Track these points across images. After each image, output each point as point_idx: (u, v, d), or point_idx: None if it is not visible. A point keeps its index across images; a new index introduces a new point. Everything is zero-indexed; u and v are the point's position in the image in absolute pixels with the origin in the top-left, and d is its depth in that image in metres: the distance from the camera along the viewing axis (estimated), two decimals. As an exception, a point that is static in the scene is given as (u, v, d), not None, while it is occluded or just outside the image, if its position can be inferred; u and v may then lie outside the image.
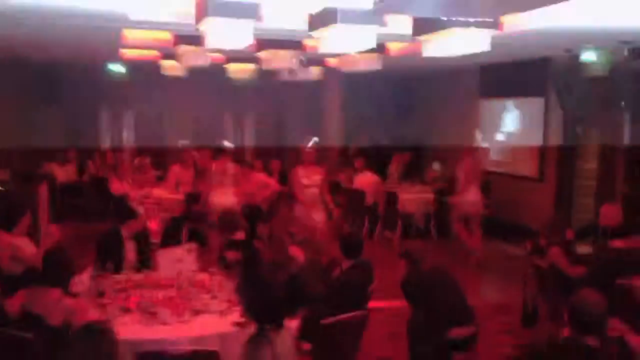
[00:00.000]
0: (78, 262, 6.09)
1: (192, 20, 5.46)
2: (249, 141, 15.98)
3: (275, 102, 15.86)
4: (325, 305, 4.87)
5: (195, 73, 12.05)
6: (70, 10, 7.04)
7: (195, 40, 7.74)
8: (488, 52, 6.36)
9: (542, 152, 11.58)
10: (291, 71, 11.87)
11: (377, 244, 10.91)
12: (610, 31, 6.26)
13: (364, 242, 5.55)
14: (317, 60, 11.14)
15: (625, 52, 8.92)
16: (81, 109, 14.78)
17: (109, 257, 5.55)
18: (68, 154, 13.50)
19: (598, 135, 10.37)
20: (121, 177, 11.53)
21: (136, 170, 12.42)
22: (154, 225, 6.50)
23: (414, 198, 11.29)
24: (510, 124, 12.58)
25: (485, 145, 13.24)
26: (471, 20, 6.01)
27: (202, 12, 6.17)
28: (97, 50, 11.58)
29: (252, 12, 6.05)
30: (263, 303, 2.82)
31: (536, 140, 11.72)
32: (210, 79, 13.66)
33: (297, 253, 5.68)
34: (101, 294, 4.94)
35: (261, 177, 11.00)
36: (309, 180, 8.21)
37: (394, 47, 9.53)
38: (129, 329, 4.35)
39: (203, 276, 5.44)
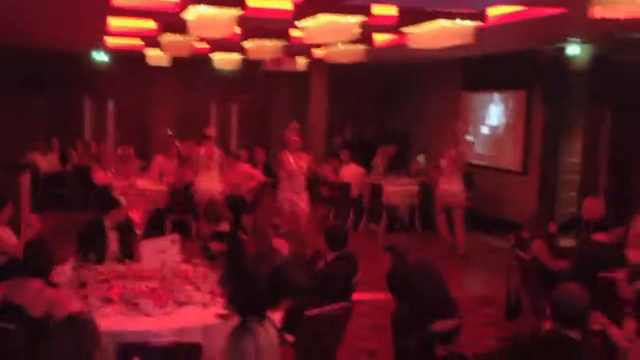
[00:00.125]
0: (60, 253, 6.03)
1: (177, 8, 5.43)
2: (234, 132, 15.91)
3: (261, 93, 15.80)
4: (309, 297, 4.87)
5: (180, 62, 12.01)
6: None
7: (179, 29, 7.70)
8: (472, 44, 6.41)
9: (526, 146, 11.62)
10: (276, 61, 11.86)
11: (361, 236, 10.92)
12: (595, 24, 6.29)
13: (348, 234, 5.53)
14: (303, 51, 11.14)
15: (609, 46, 8.98)
16: (64, 98, 14.65)
17: (91, 247, 5.50)
18: (51, 144, 13.37)
19: (581, 129, 10.42)
20: (104, 167, 11.43)
21: (119, 160, 12.34)
22: (137, 215, 6.44)
23: (398, 190, 11.29)
24: (494, 117, 12.61)
25: (469, 138, 13.27)
26: (456, 11, 6.04)
27: (186, 0, 6.14)
28: (81, 39, 11.48)
29: (236, 1, 6.04)
30: (246, 295, 2.80)
31: (520, 133, 11.77)
32: (195, 68, 13.60)
33: (281, 245, 5.67)
34: (83, 285, 4.88)
35: (246, 167, 10.96)
36: (296, 166, 8.22)
37: (379, 38, 9.54)
38: (111, 320, 4.31)
39: (186, 267, 5.40)
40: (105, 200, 6.35)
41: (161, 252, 5.45)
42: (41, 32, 10.60)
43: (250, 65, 12.14)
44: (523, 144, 11.68)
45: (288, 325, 4.58)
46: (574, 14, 6.97)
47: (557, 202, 10.92)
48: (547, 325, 3.71)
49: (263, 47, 8.73)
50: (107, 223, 5.91)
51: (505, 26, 7.80)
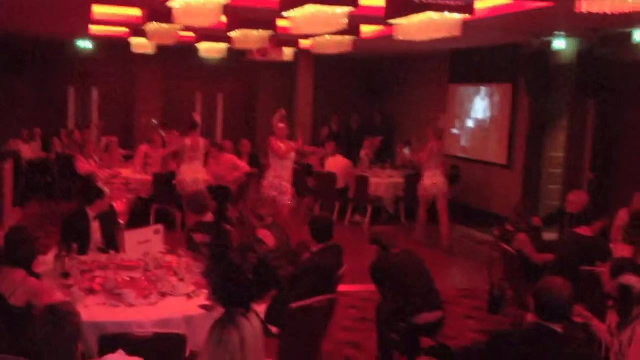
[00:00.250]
0: (43, 242, 6.00)
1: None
2: (220, 122, 15.85)
3: (247, 83, 15.75)
4: (294, 289, 4.86)
5: (166, 51, 11.93)
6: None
7: (165, 17, 7.64)
8: (459, 37, 6.41)
9: (511, 139, 11.67)
10: (262, 51, 11.80)
11: (347, 228, 10.92)
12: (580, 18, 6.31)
13: (334, 226, 5.52)
14: (290, 41, 11.09)
15: (594, 40, 9.02)
16: (48, 86, 14.52)
17: (74, 237, 5.45)
18: (33, 132, 13.25)
19: (566, 122, 10.47)
20: (88, 156, 11.35)
21: (103, 150, 12.27)
22: (121, 205, 6.39)
23: (384, 182, 11.29)
24: (480, 110, 12.64)
25: (454, 130, 13.31)
26: (444, 3, 6.02)
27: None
28: (65, 26, 11.36)
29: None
30: (231, 286, 2.78)
31: (505, 126, 11.81)
32: (180, 57, 13.53)
33: (266, 236, 5.65)
34: (66, 275, 4.84)
35: (231, 158, 10.92)
36: (286, 152, 8.20)
37: (366, 29, 9.51)
38: (94, 311, 4.28)
39: (170, 258, 5.37)
40: (89, 190, 6.29)
41: (145, 243, 5.41)
42: (25, 19, 10.48)
43: (236, 55, 12.08)
44: (508, 137, 11.73)
45: (272, 317, 4.57)
46: (560, 8, 6.99)
47: (541, 195, 10.98)
48: (530, 318, 3.73)
49: (249, 37, 8.68)
50: (91, 213, 5.86)
51: (493, 19, 7.81)
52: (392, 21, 6.77)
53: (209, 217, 5.98)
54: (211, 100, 15.74)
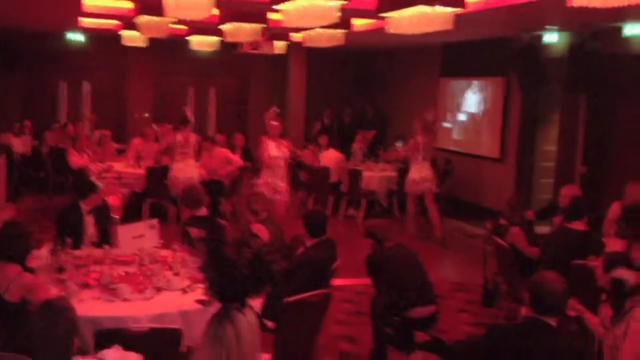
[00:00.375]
0: (36, 237, 5.98)
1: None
2: (212, 115, 15.81)
3: (239, 76, 15.71)
4: (289, 283, 4.87)
5: (157, 44, 11.88)
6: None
7: (156, 10, 7.61)
8: (451, 30, 6.41)
9: (503, 133, 11.69)
10: (254, 44, 11.78)
11: (340, 222, 10.94)
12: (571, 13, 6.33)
13: (328, 221, 5.53)
14: (281, 34, 11.07)
15: (585, 34, 9.04)
16: (39, 78, 14.43)
17: (68, 232, 5.44)
18: (25, 125, 13.18)
19: (558, 116, 10.50)
20: (80, 150, 11.31)
21: (96, 143, 12.21)
22: (115, 200, 6.38)
23: (377, 176, 11.31)
24: (471, 103, 12.66)
25: (447, 124, 13.33)
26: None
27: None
28: (55, 18, 11.29)
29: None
30: (227, 281, 2.79)
31: (497, 120, 11.83)
32: (172, 50, 13.48)
33: (260, 231, 5.65)
34: (60, 270, 4.84)
35: (224, 152, 10.90)
36: (277, 152, 8.15)
37: (358, 23, 9.51)
38: (89, 306, 4.28)
39: (165, 253, 5.37)
40: (83, 184, 6.28)
41: (139, 237, 5.41)
42: (15, 12, 10.40)
43: (228, 48, 12.05)
44: (500, 130, 11.75)
45: (267, 311, 4.58)
46: (551, 2, 7.00)
47: (533, 189, 11.03)
48: (524, 311, 3.76)
49: (241, 30, 8.66)
50: (84, 207, 5.85)
51: (484, 13, 7.82)
52: (384, 14, 6.78)
53: (203, 211, 5.97)
54: (203, 93, 15.70)
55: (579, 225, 5.81)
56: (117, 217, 6.25)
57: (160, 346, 3.92)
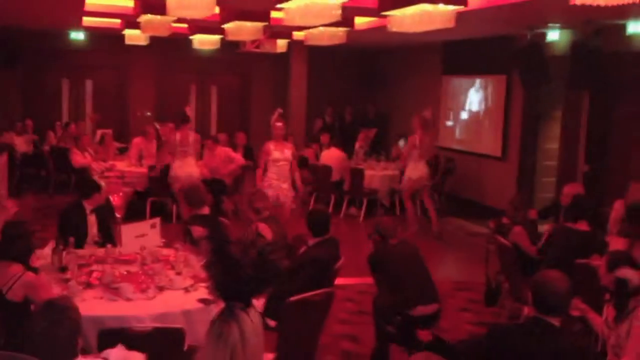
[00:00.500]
0: (39, 236, 5.99)
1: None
2: (214, 114, 15.81)
3: (240, 75, 15.70)
4: (291, 282, 4.87)
5: (159, 43, 11.88)
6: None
7: (158, 9, 7.61)
8: (453, 28, 6.40)
9: (505, 131, 11.68)
10: (256, 43, 11.78)
11: (342, 221, 10.93)
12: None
13: (330, 220, 5.53)
14: (283, 33, 11.06)
15: (588, 31, 9.02)
16: (41, 77, 14.42)
17: (71, 231, 5.44)
18: (26, 124, 13.19)
19: (560, 114, 10.48)
20: (83, 149, 11.31)
21: (98, 142, 12.22)
22: (118, 199, 6.38)
23: (379, 174, 11.31)
24: (473, 101, 12.64)
25: (449, 122, 13.31)
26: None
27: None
28: (58, 17, 11.29)
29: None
30: (231, 281, 2.78)
31: (499, 118, 11.82)
32: (174, 49, 13.47)
33: (263, 229, 5.65)
34: (63, 269, 4.84)
35: (226, 150, 10.91)
36: (280, 154, 8.08)
37: (360, 21, 9.50)
38: (92, 305, 4.28)
39: (167, 252, 5.37)
40: (87, 183, 6.28)
41: (141, 237, 5.41)
42: (17, 11, 10.40)
43: (229, 47, 12.05)
44: (502, 129, 11.73)
45: (270, 310, 4.58)
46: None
47: (535, 188, 11.02)
48: (527, 311, 3.74)
49: (243, 29, 8.66)
50: (87, 206, 5.85)
51: (486, 11, 7.80)
52: (386, 13, 6.77)
53: (205, 210, 5.97)
54: (205, 92, 15.70)
55: (581, 225, 5.78)
56: (119, 216, 6.23)
57: (164, 345, 3.91)
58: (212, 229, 5.44)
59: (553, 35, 10.04)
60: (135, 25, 9.25)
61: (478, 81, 12.46)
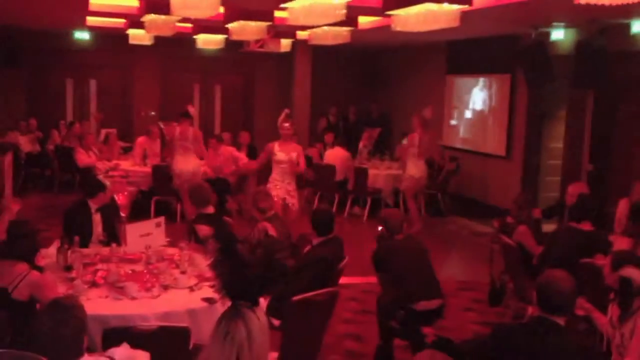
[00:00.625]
0: (44, 235, 6.00)
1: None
2: (218, 113, 15.82)
3: (244, 74, 15.71)
4: (296, 281, 4.87)
5: (163, 43, 11.89)
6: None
7: (162, 9, 7.62)
8: (457, 27, 6.40)
9: (510, 130, 11.67)
10: (260, 42, 11.78)
11: (346, 220, 10.93)
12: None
13: (335, 219, 5.53)
14: (287, 32, 11.07)
15: (592, 30, 9.01)
16: (45, 77, 14.45)
17: (76, 230, 5.45)
18: (31, 123, 13.22)
19: (565, 114, 10.47)
20: (87, 148, 11.33)
21: (102, 142, 12.24)
22: (122, 199, 6.39)
23: (383, 174, 11.30)
24: (478, 101, 12.63)
25: (453, 122, 13.30)
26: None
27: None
28: (62, 17, 11.32)
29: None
30: (238, 280, 2.79)
31: (504, 117, 11.80)
32: (178, 49, 13.49)
33: (268, 229, 5.65)
34: (68, 268, 4.86)
35: (230, 150, 10.92)
36: (285, 156, 8.04)
37: (364, 20, 9.50)
38: (97, 304, 4.28)
39: (172, 251, 5.39)
40: (92, 182, 6.29)
41: (146, 236, 5.42)
42: (22, 10, 10.43)
43: (233, 46, 12.06)
44: (507, 128, 11.72)
45: (274, 309, 4.59)
46: (559, -1, 6.99)
47: (540, 187, 11.01)
48: (532, 310, 3.74)
49: (247, 28, 8.66)
50: (92, 205, 5.87)
51: (491, 10, 7.80)
52: (390, 12, 6.77)
53: (210, 209, 5.98)
54: (209, 91, 15.71)
55: (585, 225, 5.76)
56: (124, 215, 6.25)
57: (168, 344, 3.92)
58: (217, 228, 5.46)
59: (557, 34, 10.03)
60: (139, 25, 9.26)
61: (482, 80, 12.45)
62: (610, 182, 9.38)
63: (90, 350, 3.83)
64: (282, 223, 5.93)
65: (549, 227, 7.29)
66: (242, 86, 15.89)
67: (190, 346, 4.01)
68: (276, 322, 4.71)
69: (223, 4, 6.51)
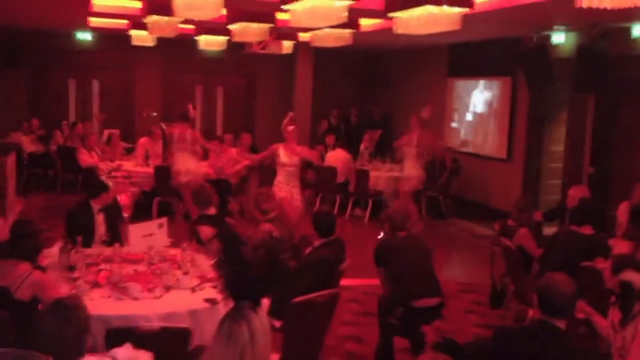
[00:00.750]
0: (47, 235, 6.02)
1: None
2: (219, 114, 15.84)
3: (246, 76, 15.72)
4: (297, 283, 4.89)
5: (166, 44, 11.91)
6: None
7: (165, 10, 7.64)
8: (458, 30, 6.41)
9: (511, 133, 11.68)
10: (262, 44, 11.80)
11: (347, 222, 10.95)
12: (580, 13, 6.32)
13: (336, 221, 5.55)
14: (289, 34, 11.09)
15: (593, 34, 9.03)
16: (48, 78, 14.47)
17: (79, 230, 5.46)
18: (33, 123, 13.24)
19: (565, 117, 10.49)
20: (90, 149, 11.35)
21: (105, 142, 12.26)
22: (125, 199, 6.40)
23: (384, 176, 11.32)
24: (479, 103, 12.64)
25: (454, 124, 13.32)
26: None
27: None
28: (65, 18, 11.34)
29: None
30: (242, 281, 2.81)
31: (505, 120, 11.82)
32: (180, 50, 13.51)
33: (272, 231, 5.66)
34: (71, 268, 4.87)
35: (232, 151, 10.93)
36: (288, 160, 8.05)
37: (366, 23, 9.52)
38: (99, 304, 4.30)
39: (174, 252, 5.40)
40: (95, 183, 6.31)
41: (149, 236, 5.43)
42: (25, 11, 10.45)
43: (235, 48, 12.07)
44: (507, 131, 11.74)
45: (275, 311, 4.60)
46: (559, 2, 7.00)
47: (541, 190, 11.02)
48: (533, 313, 3.75)
49: (249, 30, 8.68)
50: (95, 206, 5.89)
51: (492, 13, 7.82)
52: (391, 15, 6.78)
53: (212, 210, 5.99)
54: (211, 93, 15.72)
55: (585, 229, 5.76)
56: (126, 215, 6.26)
57: (171, 345, 3.94)
58: (219, 229, 5.48)
59: (559, 37, 10.04)
60: (142, 26, 9.28)
61: (483, 83, 12.46)
62: (611, 185, 9.39)
63: (93, 351, 3.85)
64: (283, 224, 5.95)
65: (549, 230, 7.29)
66: (244, 88, 15.90)
67: (192, 347, 4.02)
68: (277, 324, 4.72)
69: (225, 5, 6.52)
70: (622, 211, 6.63)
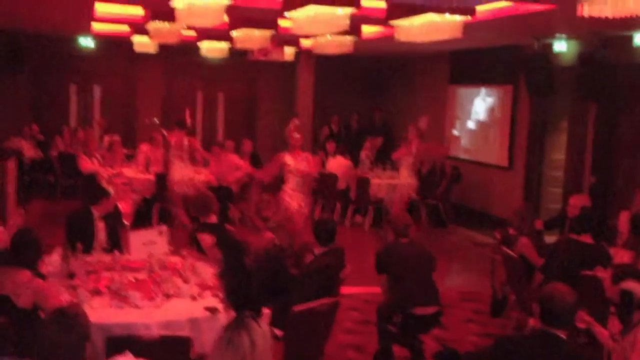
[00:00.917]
0: (47, 242, 6.00)
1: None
2: (221, 121, 15.85)
3: (248, 83, 15.74)
4: (297, 291, 4.88)
5: (167, 50, 11.94)
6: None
7: (167, 16, 7.65)
8: (460, 38, 6.43)
9: (512, 141, 11.68)
10: (264, 51, 11.82)
11: (348, 229, 10.93)
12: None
13: (336, 229, 5.55)
14: (291, 41, 11.11)
15: (595, 42, 9.05)
16: (49, 83, 14.48)
17: (79, 237, 5.46)
18: (34, 129, 13.24)
19: (567, 125, 10.49)
20: (90, 155, 11.33)
21: (106, 148, 12.23)
22: (126, 206, 6.40)
23: (384, 183, 11.30)
24: (480, 111, 12.65)
25: (455, 132, 13.32)
26: (445, 5, 6.04)
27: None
28: (68, 23, 11.36)
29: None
30: (243, 290, 2.81)
31: (506, 128, 11.82)
32: (182, 56, 13.53)
33: (275, 239, 5.66)
34: (72, 276, 4.86)
35: (233, 158, 10.92)
36: (295, 167, 8.03)
37: (367, 30, 9.53)
38: (99, 312, 4.29)
39: (175, 259, 5.39)
40: (95, 189, 6.31)
41: (149, 244, 5.42)
42: (27, 16, 10.48)
43: (237, 55, 12.09)
44: (509, 139, 11.74)
45: (276, 319, 4.59)
46: (561, 11, 7.01)
47: (542, 198, 11.01)
48: (533, 322, 3.74)
49: (251, 37, 8.70)
50: (96, 213, 5.87)
51: (494, 21, 7.83)
52: (393, 22, 6.80)
53: (213, 218, 5.98)
54: (212, 99, 15.73)
55: (586, 238, 5.75)
56: (127, 223, 6.25)
57: (170, 354, 3.93)
58: (220, 237, 5.47)
59: (560, 46, 10.06)
60: (144, 32, 9.29)
61: (485, 91, 12.47)
62: (612, 193, 9.39)
63: (94, 359, 3.85)
64: (285, 232, 5.94)
65: (550, 238, 7.28)
66: (246, 94, 15.91)
67: (192, 356, 4.02)
68: (279, 332, 4.71)
69: (227, 12, 6.53)
70: (623, 220, 6.62)
